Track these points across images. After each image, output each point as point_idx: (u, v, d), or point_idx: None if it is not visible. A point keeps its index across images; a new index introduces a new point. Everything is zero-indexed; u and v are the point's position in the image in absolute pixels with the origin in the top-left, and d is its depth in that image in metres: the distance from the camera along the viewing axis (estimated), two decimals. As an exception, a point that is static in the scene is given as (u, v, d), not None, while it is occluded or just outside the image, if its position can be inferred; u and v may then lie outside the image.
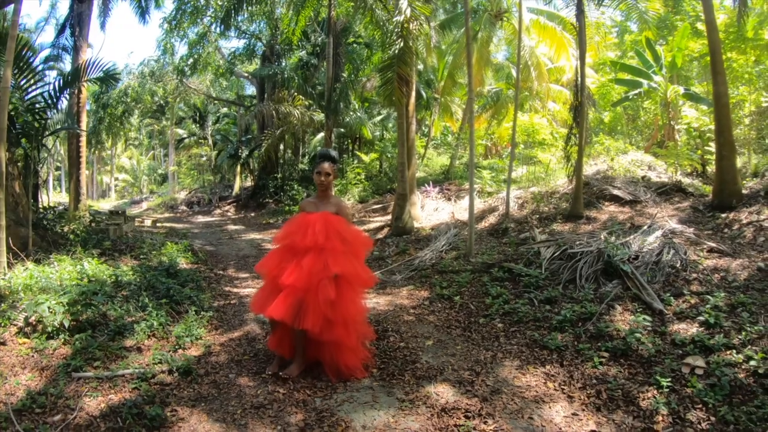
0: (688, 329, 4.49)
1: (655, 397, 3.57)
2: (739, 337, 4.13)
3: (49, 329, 4.27)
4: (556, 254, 6.71)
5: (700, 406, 3.44)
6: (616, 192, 10.25)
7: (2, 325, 4.33)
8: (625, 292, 5.46)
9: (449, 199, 13.59)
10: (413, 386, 3.86)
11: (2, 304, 4.73)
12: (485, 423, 3.31)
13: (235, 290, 6.85)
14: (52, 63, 16.05)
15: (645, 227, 7.48)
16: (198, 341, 4.60)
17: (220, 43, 24.72)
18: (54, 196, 29.24)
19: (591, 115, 21.05)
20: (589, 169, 12.56)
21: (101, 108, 23.55)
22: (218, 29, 21.34)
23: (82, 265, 6.16)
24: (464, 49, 18.94)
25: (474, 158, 9.37)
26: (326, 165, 4.11)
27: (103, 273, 5.94)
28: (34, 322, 4.40)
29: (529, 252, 7.15)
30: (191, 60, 22.98)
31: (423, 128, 27.44)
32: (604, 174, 11.97)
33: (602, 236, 7.05)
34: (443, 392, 3.75)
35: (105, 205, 20.98)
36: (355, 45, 20.00)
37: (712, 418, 3.30)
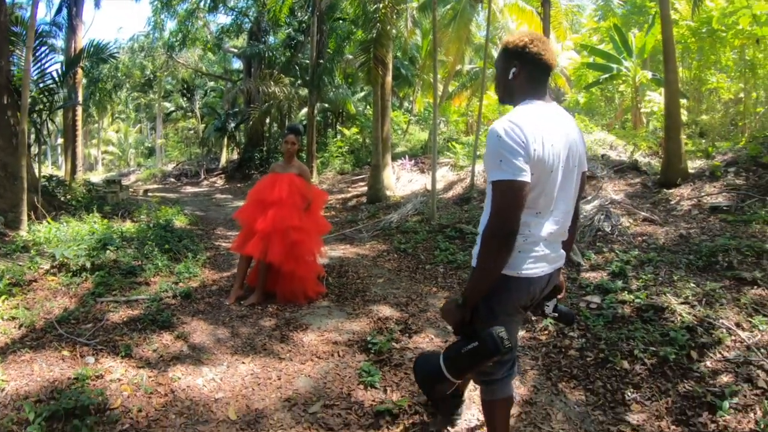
0: (596, 277, 5.25)
1: (547, 319, 4.48)
2: (637, 283, 4.81)
3: (74, 269, 5.29)
4: (502, 218, 7.80)
5: (583, 328, 4.32)
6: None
7: (32, 268, 5.33)
8: None
9: (423, 172, 14.53)
10: (361, 306, 5.07)
11: (31, 251, 5.80)
12: (409, 327, 4.47)
13: (224, 244, 7.94)
14: (44, 39, 16.66)
15: (588, 197, 8.54)
16: (195, 277, 5.73)
17: (208, 17, 25.21)
18: (43, 170, 29.77)
19: (568, 96, 22.05)
20: (553, 145, 13.54)
21: (92, 83, 24.06)
22: (207, 4, 21.89)
23: (91, 223, 7.22)
24: (445, 28, 19.91)
25: (437, 136, 10.38)
26: (291, 136, 5.24)
27: (110, 229, 6.98)
28: (57, 265, 5.43)
29: (479, 215, 8.22)
30: (180, 35, 23.49)
31: (407, 104, 28.23)
32: None
33: None
34: (383, 309, 4.94)
35: (94, 178, 21.68)
36: (340, 21, 20.55)
37: (589, 335, 4.20)
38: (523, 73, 2.21)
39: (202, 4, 22.19)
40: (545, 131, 2.08)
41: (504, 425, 2.52)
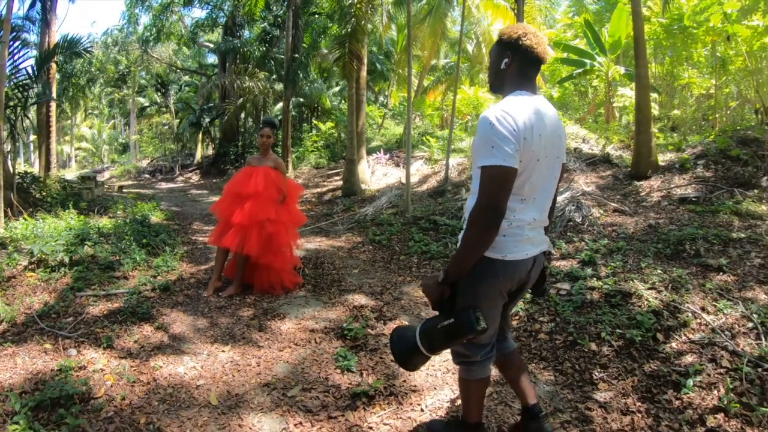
0: (567, 265, 5.37)
1: (517, 305, 4.74)
2: (606, 270, 4.97)
3: (52, 264, 5.33)
4: (476, 209, 7.99)
5: (553, 313, 4.50)
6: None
7: (10, 264, 5.36)
8: None
9: (398, 165, 14.69)
10: (337, 295, 5.22)
11: (9, 248, 5.83)
12: (384, 314, 4.63)
13: (201, 238, 8.03)
14: (17, 34, 16.41)
15: (561, 190, 8.76)
16: (173, 270, 5.82)
17: (183, 12, 24.96)
18: (17, 167, 29.27)
19: (542, 90, 22.33)
20: (527, 140, 13.78)
21: (65, 78, 23.71)
22: (181, -1, 21.72)
23: (68, 219, 7.24)
24: (421, 23, 20.08)
25: (412, 130, 10.51)
26: (267, 130, 5.37)
27: (87, 225, 7.01)
28: (36, 261, 5.47)
29: (453, 207, 8.44)
30: (155, 29, 23.25)
31: (382, 99, 28.32)
32: None
33: None
34: (358, 298, 5.11)
35: (68, 175, 21.44)
36: (316, 16, 20.53)
37: (558, 319, 4.37)
38: (515, 64, 2.30)
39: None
40: (534, 122, 2.17)
41: (479, 403, 2.66)
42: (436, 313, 2.39)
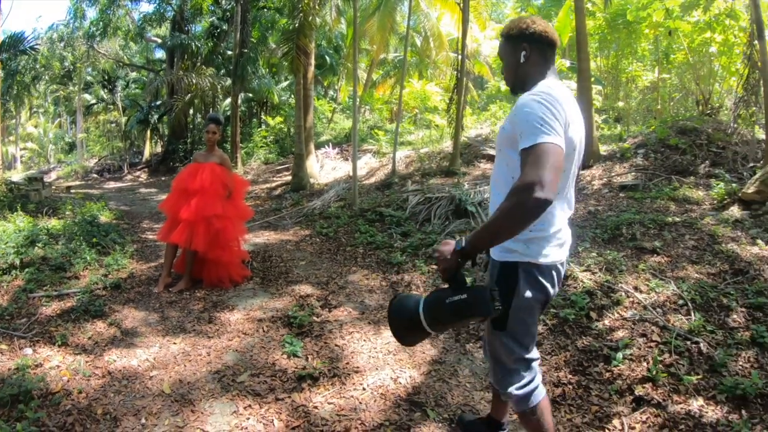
0: None
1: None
2: None
3: (3, 267, 5.39)
4: (420, 200, 8.24)
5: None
6: (491, 152, 11.51)
7: (-43, 269, 5.43)
8: (468, 227, 7.00)
9: (347, 159, 14.94)
10: (284, 286, 5.50)
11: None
12: (329, 303, 4.94)
13: (151, 237, 8.13)
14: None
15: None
16: (124, 268, 5.96)
17: (130, 5, 24.46)
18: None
19: (490, 83, 22.85)
20: (473, 132, 14.25)
21: (9, 76, 22.97)
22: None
23: (16, 222, 7.25)
24: (370, 17, 20.27)
25: (360, 124, 10.78)
26: (212, 126, 5.53)
27: (36, 227, 7.04)
28: (-15, 264, 5.54)
29: (399, 199, 8.76)
30: (101, 24, 22.73)
31: (332, 93, 28.45)
32: (486, 137, 13.40)
33: (465, 185, 8.62)
34: (304, 288, 5.39)
35: (14, 177, 20.87)
36: (264, 10, 20.50)
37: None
38: (534, 53, 2.18)
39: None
40: (570, 109, 2.04)
41: (551, 423, 2.38)
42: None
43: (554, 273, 2.17)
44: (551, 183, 1.76)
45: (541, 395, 2.33)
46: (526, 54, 2.18)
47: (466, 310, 1.97)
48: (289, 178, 13.61)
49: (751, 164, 7.73)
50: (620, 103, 15.66)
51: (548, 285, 2.15)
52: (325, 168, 14.68)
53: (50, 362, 3.67)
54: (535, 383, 2.32)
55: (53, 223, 7.63)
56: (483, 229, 1.95)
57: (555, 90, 2.03)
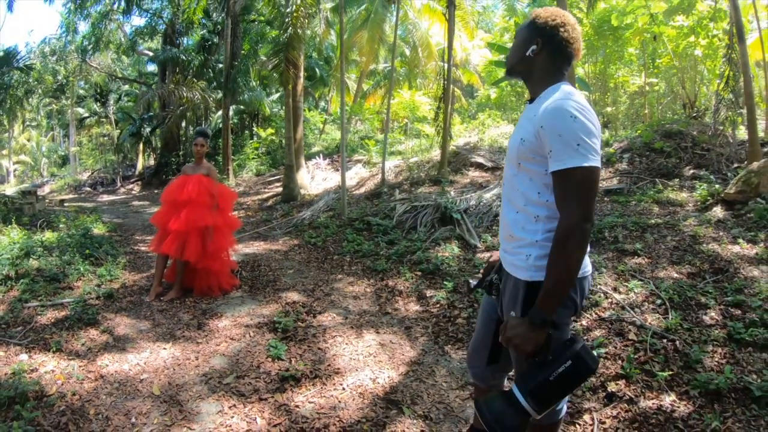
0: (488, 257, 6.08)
1: (439, 294, 5.25)
2: None
3: (0, 278, 5.61)
4: (407, 209, 8.41)
5: (472, 300, 5.00)
6: (479, 160, 11.88)
7: (-46, 280, 5.60)
8: (453, 234, 7.17)
9: (337, 170, 15.12)
10: (271, 294, 5.71)
11: (-49, 266, 6.02)
12: (314, 309, 5.15)
13: (143, 248, 8.32)
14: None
15: (489, 186, 9.39)
16: (116, 279, 6.15)
17: (122, 19, 24.61)
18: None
19: (480, 92, 23.16)
20: (461, 140, 14.48)
21: (2, 90, 23.11)
22: (120, 6, 21.52)
23: (11, 234, 7.43)
24: (359, 29, 20.55)
25: (351, 135, 11.00)
26: (200, 139, 5.77)
27: (31, 239, 7.22)
28: (-19, 276, 5.71)
29: (386, 208, 8.96)
30: (93, 38, 22.92)
31: (323, 104, 28.69)
32: (474, 145, 13.64)
33: (451, 193, 8.84)
34: (291, 295, 5.61)
35: (8, 190, 21.00)
36: (255, 23, 20.76)
37: (476, 305, 4.84)
38: (544, 54, 2.00)
39: (116, 6, 21.78)
40: (594, 117, 1.88)
41: None
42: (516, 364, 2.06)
43: (585, 284, 2.04)
44: (592, 211, 1.78)
45: (565, 408, 2.29)
46: (534, 50, 2.02)
47: (577, 376, 1.86)
48: (281, 189, 13.80)
49: (735, 165, 7.98)
50: (609, 109, 15.94)
51: (578, 299, 2.00)
52: (316, 179, 14.91)
53: (45, 367, 3.84)
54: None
55: (47, 235, 7.80)
56: (548, 293, 1.83)
57: (584, 100, 1.89)
